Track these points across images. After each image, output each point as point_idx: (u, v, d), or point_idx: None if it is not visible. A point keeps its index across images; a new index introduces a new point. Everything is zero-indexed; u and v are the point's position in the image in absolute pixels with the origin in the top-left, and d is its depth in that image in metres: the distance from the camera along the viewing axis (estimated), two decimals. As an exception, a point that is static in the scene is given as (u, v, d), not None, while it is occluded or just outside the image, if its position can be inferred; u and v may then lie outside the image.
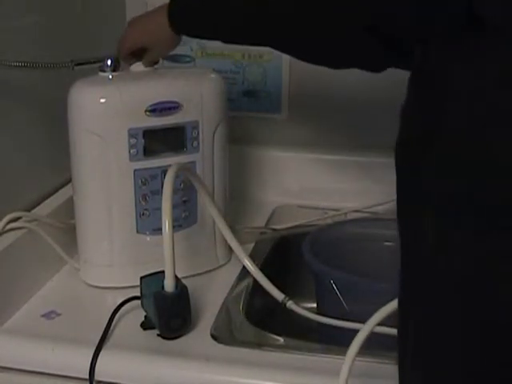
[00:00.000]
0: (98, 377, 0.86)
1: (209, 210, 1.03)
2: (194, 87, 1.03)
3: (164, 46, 1.02)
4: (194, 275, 1.03)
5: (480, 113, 0.57)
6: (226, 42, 0.92)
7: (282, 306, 0.99)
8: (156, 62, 1.05)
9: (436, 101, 0.61)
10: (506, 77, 0.56)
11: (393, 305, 0.79)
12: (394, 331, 0.80)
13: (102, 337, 0.90)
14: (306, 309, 0.99)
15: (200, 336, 0.92)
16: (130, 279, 0.98)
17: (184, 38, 0.99)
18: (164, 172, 0.98)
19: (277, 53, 1.31)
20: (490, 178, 0.57)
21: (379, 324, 0.80)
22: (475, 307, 0.58)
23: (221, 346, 0.91)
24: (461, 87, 0.58)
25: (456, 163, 0.59)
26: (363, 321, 0.81)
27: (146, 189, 1.02)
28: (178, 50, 1.05)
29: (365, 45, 0.72)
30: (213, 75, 1.07)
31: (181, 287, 0.91)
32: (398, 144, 0.65)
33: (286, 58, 1.31)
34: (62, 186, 1.15)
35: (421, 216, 0.61)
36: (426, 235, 0.61)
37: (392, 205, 0.67)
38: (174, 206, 0.94)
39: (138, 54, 1.03)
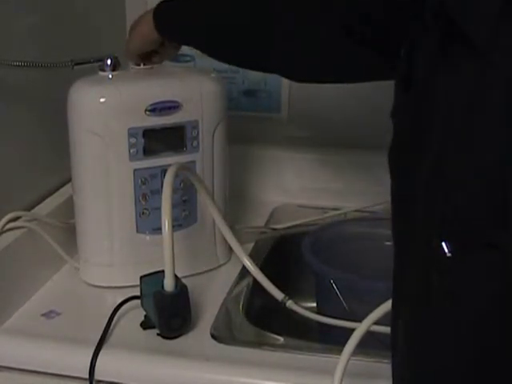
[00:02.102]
0: (97, 376, 0.86)
1: (209, 209, 1.03)
2: (193, 87, 1.03)
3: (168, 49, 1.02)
4: (193, 275, 1.03)
5: (457, 124, 0.56)
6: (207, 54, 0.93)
7: (281, 305, 0.99)
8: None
9: (422, 109, 0.60)
10: (478, 93, 0.54)
11: (389, 304, 0.79)
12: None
13: (101, 336, 0.90)
14: (305, 308, 0.99)
15: (200, 336, 0.92)
16: (130, 279, 0.98)
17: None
18: (164, 171, 0.98)
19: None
20: (477, 189, 0.55)
21: (376, 323, 0.80)
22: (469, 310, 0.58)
23: (221, 345, 0.91)
24: (442, 98, 0.57)
25: (440, 173, 0.57)
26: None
27: (146, 188, 1.02)
28: (178, 50, 1.06)
29: (346, 49, 0.76)
30: (213, 75, 1.07)
31: (181, 287, 0.91)
32: (391, 148, 0.64)
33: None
34: (62, 185, 1.15)
35: (412, 221, 0.61)
36: (416, 238, 0.61)
37: (392, 204, 0.67)
38: (174, 206, 0.95)
39: (146, 56, 1.02)
